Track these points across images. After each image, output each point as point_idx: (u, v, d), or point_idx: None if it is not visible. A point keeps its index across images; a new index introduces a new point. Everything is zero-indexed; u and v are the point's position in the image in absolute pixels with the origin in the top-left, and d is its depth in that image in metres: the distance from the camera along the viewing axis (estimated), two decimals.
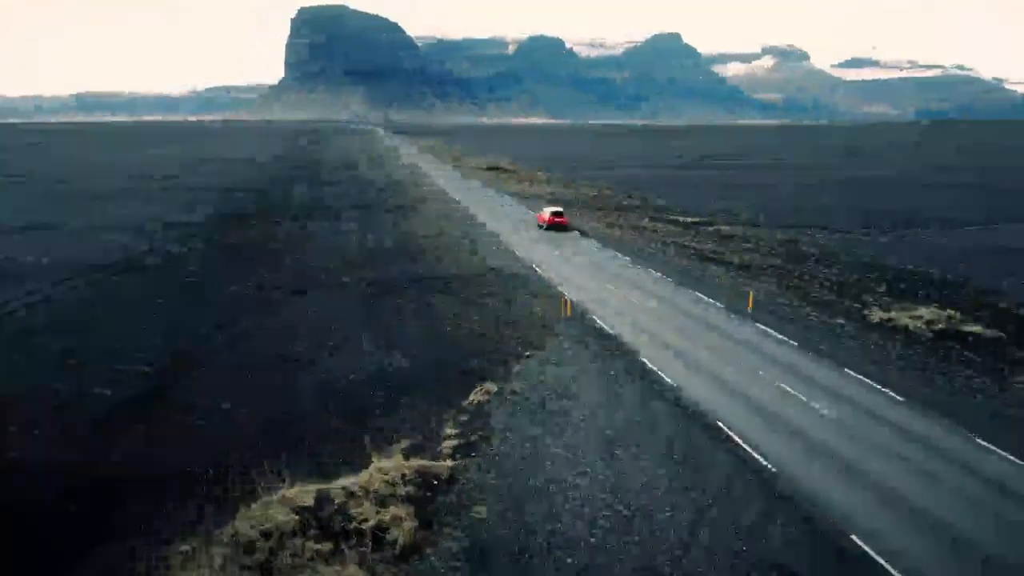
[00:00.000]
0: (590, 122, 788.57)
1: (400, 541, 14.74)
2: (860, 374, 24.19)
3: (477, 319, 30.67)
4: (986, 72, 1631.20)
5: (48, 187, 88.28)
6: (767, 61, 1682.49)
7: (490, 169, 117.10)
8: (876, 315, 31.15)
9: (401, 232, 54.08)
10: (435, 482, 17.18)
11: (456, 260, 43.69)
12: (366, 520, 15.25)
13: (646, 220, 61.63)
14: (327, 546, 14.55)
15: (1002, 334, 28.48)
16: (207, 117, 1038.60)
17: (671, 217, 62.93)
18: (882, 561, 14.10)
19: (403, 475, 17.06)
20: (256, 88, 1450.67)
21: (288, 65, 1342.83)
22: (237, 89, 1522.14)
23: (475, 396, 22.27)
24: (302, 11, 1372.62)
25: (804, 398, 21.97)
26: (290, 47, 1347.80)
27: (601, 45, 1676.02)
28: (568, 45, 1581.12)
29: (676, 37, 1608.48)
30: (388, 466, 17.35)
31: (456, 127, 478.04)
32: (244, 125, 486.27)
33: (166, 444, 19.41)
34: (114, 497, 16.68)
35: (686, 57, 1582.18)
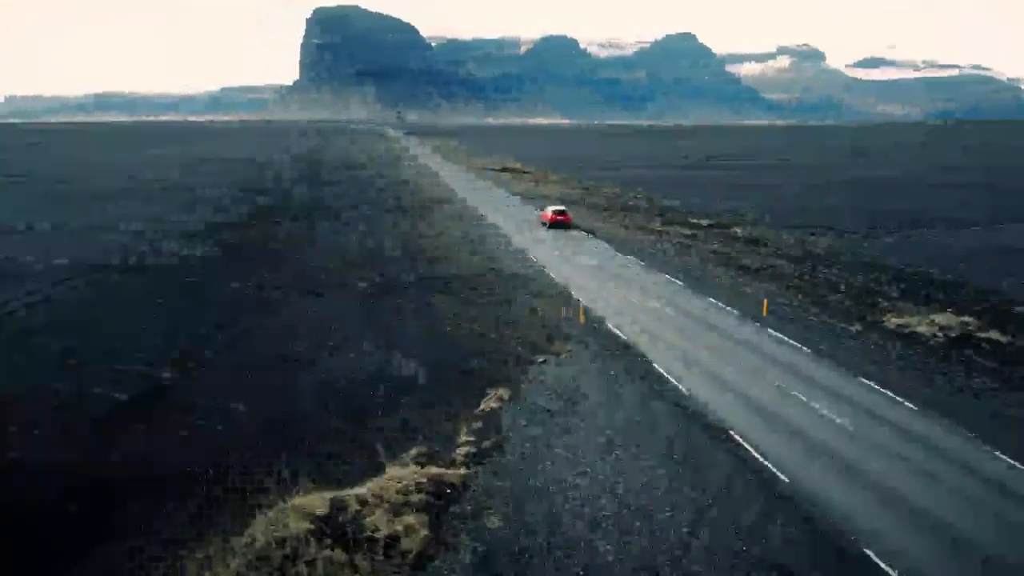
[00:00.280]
0: (607, 123, 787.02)
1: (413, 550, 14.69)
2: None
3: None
4: (1003, 72, 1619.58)
5: (48, 187, 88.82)
6: (782, 61, 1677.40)
7: (505, 170, 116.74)
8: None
9: (408, 233, 54.26)
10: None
11: (460, 261, 43.76)
12: (379, 529, 15.24)
13: (657, 223, 61.41)
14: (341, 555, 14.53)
15: None
16: (223, 117, 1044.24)
17: (692, 220, 61.58)
18: None
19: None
20: (271, 88, 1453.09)
21: (303, 65, 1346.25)
22: (252, 89, 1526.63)
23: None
24: (317, 11, 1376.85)
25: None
26: (305, 47, 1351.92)
27: (615, 45, 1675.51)
28: (582, 45, 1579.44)
29: (691, 37, 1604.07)
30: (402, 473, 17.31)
31: (466, 127, 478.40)
32: (257, 126, 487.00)
33: (166, 444, 19.49)
34: (114, 497, 16.78)
35: (700, 57, 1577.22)
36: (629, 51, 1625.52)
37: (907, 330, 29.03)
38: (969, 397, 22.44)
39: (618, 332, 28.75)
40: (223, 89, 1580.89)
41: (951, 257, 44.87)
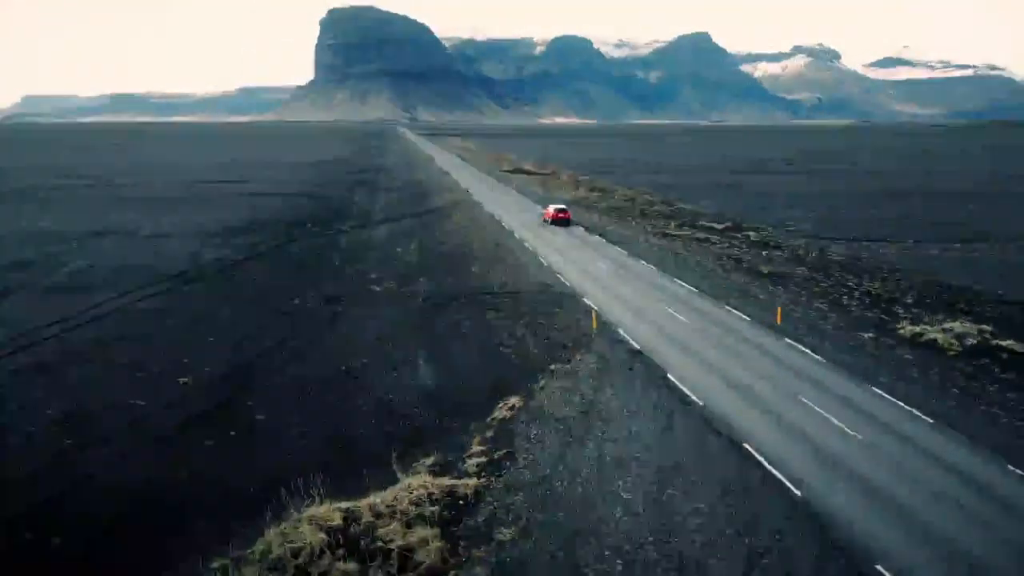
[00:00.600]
0: (631, 122, 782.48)
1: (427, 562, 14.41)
2: None
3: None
4: (1016, 73, 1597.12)
5: (117, 191, 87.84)
6: (798, 60, 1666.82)
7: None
8: None
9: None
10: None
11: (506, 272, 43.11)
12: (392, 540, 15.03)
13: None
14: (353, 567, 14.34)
15: None
16: (243, 118, 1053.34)
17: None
18: None
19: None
20: (287, 89, 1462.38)
21: (318, 65, 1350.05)
22: (269, 90, 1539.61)
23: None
24: (332, 12, 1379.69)
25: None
26: (319, 47, 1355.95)
27: (630, 45, 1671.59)
28: (596, 45, 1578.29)
29: (705, 37, 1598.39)
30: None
31: (484, 128, 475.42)
32: (291, 127, 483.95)
33: (229, 460, 19.51)
34: (186, 511, 16.80)
35: (715, 56, 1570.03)
36: (643, 51, 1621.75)
37: None
38: None
39: None
40: (239, 90, 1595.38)
41: None
